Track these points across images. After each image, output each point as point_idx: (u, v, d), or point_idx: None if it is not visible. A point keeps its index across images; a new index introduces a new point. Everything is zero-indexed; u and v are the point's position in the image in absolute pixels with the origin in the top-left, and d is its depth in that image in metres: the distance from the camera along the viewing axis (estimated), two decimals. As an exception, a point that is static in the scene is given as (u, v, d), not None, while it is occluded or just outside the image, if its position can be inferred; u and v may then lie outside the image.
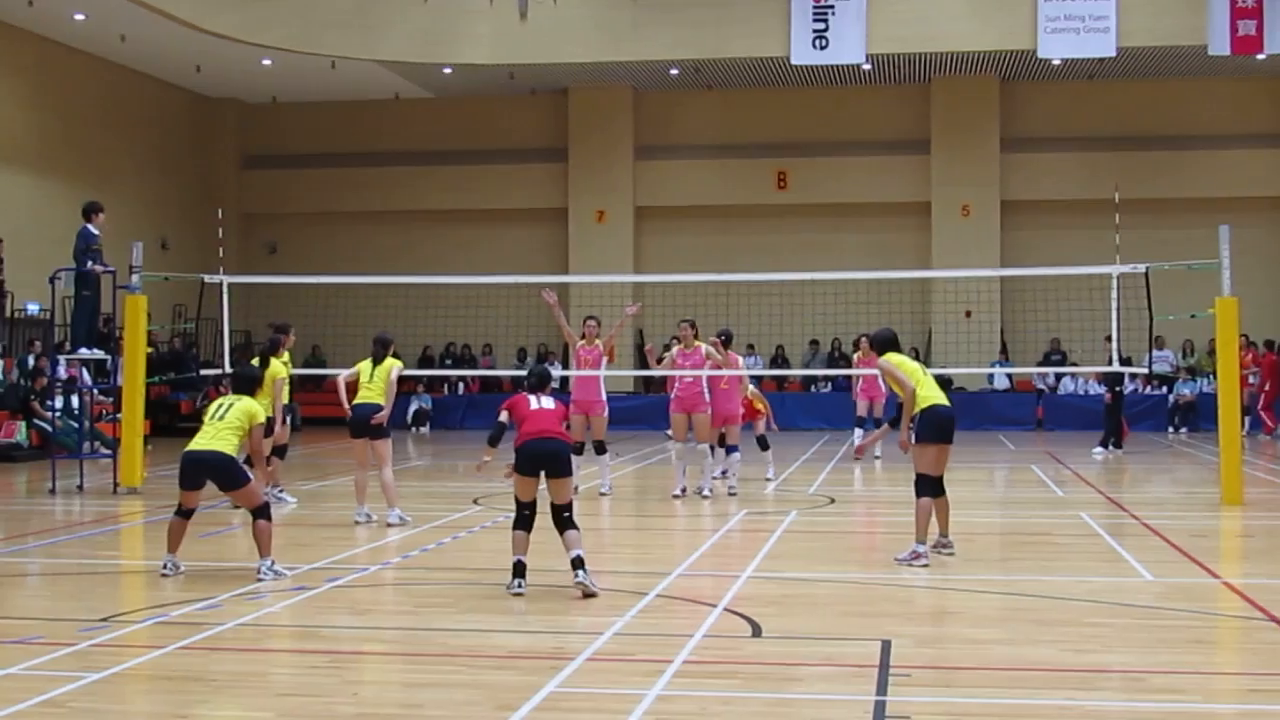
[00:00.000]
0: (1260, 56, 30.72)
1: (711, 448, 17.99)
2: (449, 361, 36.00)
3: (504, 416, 11.29)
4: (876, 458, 23.17)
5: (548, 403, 11.26)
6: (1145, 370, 22.89)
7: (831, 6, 30.61)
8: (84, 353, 19.51)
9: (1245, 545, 14.24)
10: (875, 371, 18.76)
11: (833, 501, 17.53)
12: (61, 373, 23.54)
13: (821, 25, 30.72)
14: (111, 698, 7.75)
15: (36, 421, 24.60)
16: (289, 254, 37.60)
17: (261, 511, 11.67)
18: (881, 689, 7.80)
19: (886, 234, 35.55)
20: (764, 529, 14.79)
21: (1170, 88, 35.13)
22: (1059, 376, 33.55)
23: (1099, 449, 25.17)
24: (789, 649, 8.97)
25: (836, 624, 9.92)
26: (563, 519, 10.92)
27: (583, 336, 18.68)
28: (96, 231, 19.00)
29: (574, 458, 11.66)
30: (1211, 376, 26.95)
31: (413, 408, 34.20)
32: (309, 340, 35.26)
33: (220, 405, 12.00)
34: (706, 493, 17.56)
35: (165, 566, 11.69)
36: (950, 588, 11.20)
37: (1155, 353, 28.59)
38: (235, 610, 10.03)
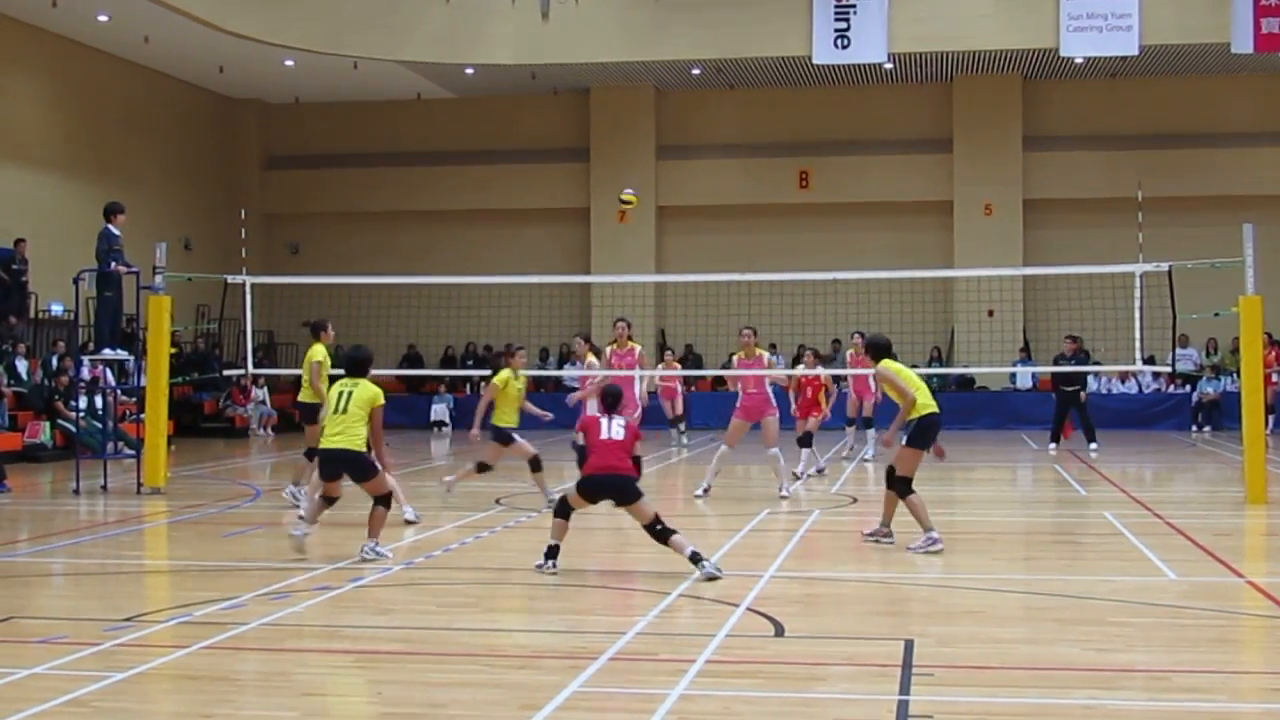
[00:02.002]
0: (1284, 54, 30.59)
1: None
2: (470, 362, 36.03)
3: (580, 439, 11.99)
4: (866, 460, 23.00)
5: (617, 431, 11.65)
6: (1169, 369, 22.81)
7: (853, 5, 30.55)
8: (107, 353, 19.59)
9: (1269, 544, 14.19)
10: (866, 371, 18.88)
11: (855, 501, 17.51)
12: (85, 373, 23.63)
13: (843, 24, 30.67)
14: (136, 697, 7.78)
15: (61, 422, 24.71)
16: (311, 254, 37.71)
17: (384, 500, 12.41)
18: (904, 688, 7.79)
19: (909, 233, 35.49)
20: (787, 529, 14.78)
21: (1193, 86, 35.01)
22: (1083, 376, 33.41)
23: (1093, 445, 25.14)
24: (812, 648, 8.96)
25: (859, 623, 9.91)
26: (657, 533, 11.41)
27: (614, 341, 18.63)
28: (118, 232, 19.07)
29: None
30: (1235, 375, 26.84)
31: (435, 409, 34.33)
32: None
33: (340, 396, 12.45)
34: (785, 493, 17.59)
35: (295, 531, 12.54)
36: (973, 587, 11.17)
37: (1179, 351, 28.50)
38: (259, 610, 10.05)
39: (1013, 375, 33.59)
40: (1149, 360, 21.67)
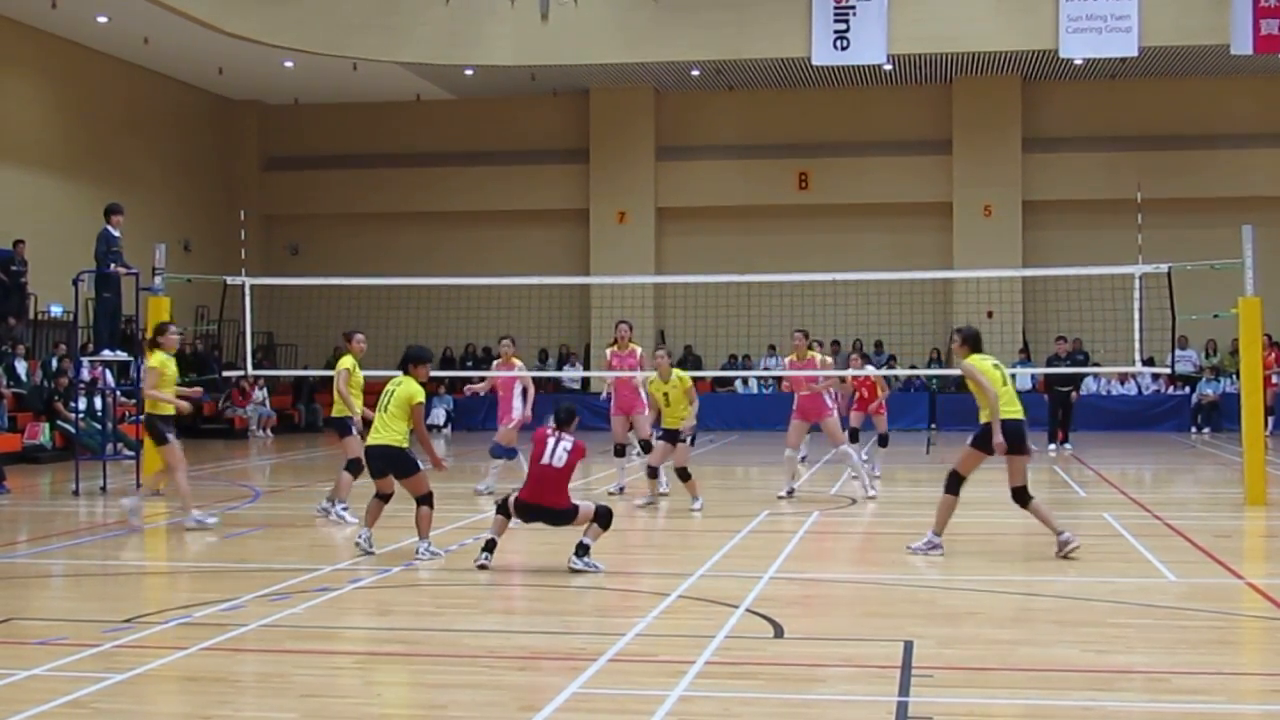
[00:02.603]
0: (1283, 55, 30.60)
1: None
2: (470, 363, 36.02)
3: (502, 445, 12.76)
4: (865, 462, 22.89)
5: (560, 456, 11.80)
6: (1168, 370, 22.84)
7: (853, 7, 30.55)
8: (107, 354, 19.58)
9: (1269, 546, 14.19)
10: (864, 372, 18.78)
11: (854, 502, 17.50)
12: (85, 374, 23.63)
13: (842, 26, 30.67)
14: (135, 698, 7.78)
15: (60, 423, 24.70)
16: (311, 255, 37.72)
17: (425, 499, 12.67)
18: (904, 690, 7.79)
19: (908, 234, 35.49)
20: (786, 530, 14.78)
21: (1193, 87, 35.02)
22: (1081, 377, 33.44)
23: (1066, 445, 25.10)
24: (811, 650, 8.96)
25: (858, 625, 9.91)
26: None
27: (614, 342, 18.65)
28: (117, 233, 19.07)
29: (572, 507, 11.99)
30: (1235, 376, 26.85)
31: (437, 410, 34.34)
32: (330, 342, 35.30)
33: (386, 393, 12.76)
34: (873, 492, 17.69)
35: (360, 539, 12.86)
36: (972, 588, 11.17)
37: (1178, 352, 28.49)
38: (258, 611, 10.05)
39: (1012, 376, 33.50)
40: (1148, 362, 21.65)
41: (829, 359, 18.51)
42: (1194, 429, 32.13)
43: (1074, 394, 26.23)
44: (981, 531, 15.43)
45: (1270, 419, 27.11)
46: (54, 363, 26.19)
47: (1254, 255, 17.37)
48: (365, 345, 16.09)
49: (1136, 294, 18.99)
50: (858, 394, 19.95)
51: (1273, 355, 30.32)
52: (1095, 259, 25.61)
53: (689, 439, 16.78)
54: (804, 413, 17.84)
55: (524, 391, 18.58)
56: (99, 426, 22.39)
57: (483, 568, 11.80)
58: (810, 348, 18.31)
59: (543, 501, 11.80)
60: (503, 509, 12.05)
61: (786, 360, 18.57)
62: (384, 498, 13.01)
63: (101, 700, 7.60)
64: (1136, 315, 19.11)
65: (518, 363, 18.93)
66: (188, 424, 30.60)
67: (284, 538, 14.47)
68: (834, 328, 30.62)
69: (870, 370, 20.21)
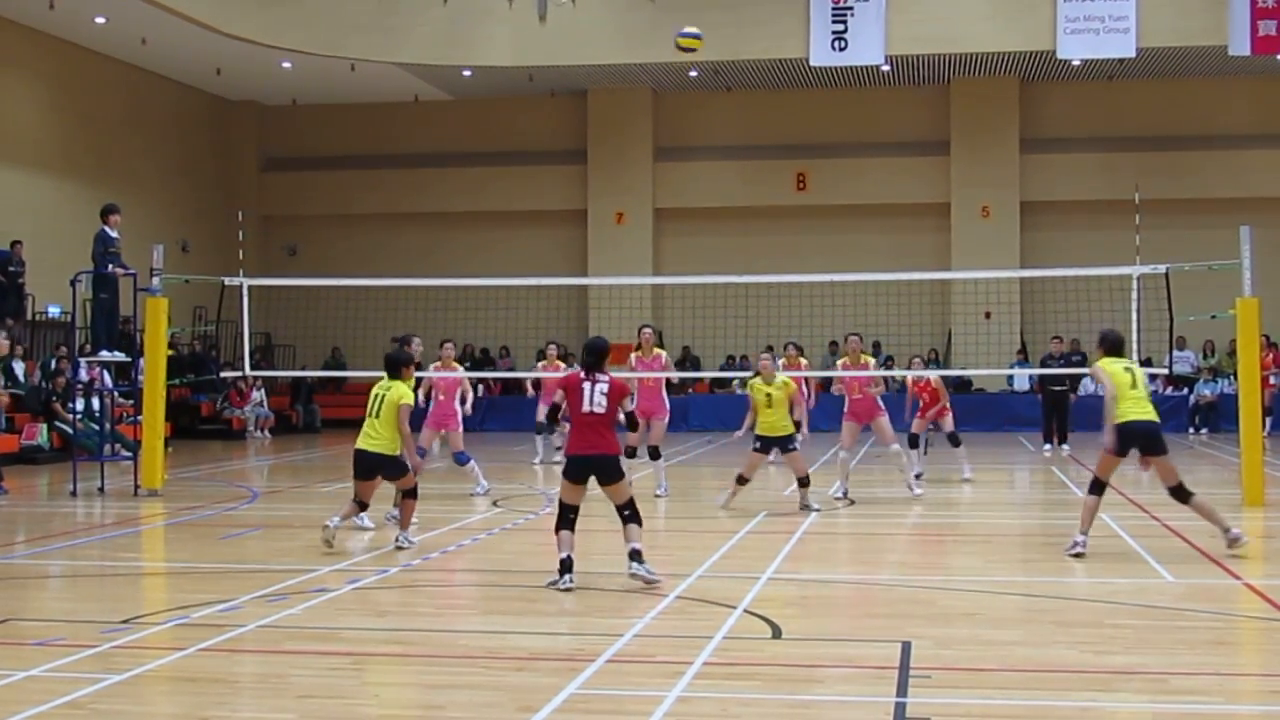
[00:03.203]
0: (1281, 56, 30.64)
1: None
2: (468, 364, 36.00)
3: (558, 397, 11.49)
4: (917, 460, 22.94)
5: (599, 400, 11.13)
6: (1166, 371, 22.82)
7: (850, 8, 30.57)
8: (104, 355, 19.58)
9: (1267, 546, 14.18)
10: (866, 373, 18.69)
11: (853, 503, 17.49)
12: (82, 375, 23.62)
13: (840, 26, 30.69)
14: (133, 699, 7.77)
15: (58, 424, 24.69)
16: (309, 256, 37.73)
17: (412, 493, 13.36)
18: (902, 690, 7.79)
19: (906, 235, 35.51)
20: (784, 530, 14.77)
21: (1191, 88, 35.05)
22: (1078, 378, 33.45)
23: (1064, 446, 25.14)
24: (809, 650, 8.96)
25: (856, 625, 9.91)
26: (624, 515, 11.23)
27: (638, 347, 18.65)
28: (114, 234, 19.08)
29: (624, 460, 11.61)
30: (1232, 377, 26.85)
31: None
32: (329, 342, 35.34)
33: (375, 399, 13.19)
34: (918, 492, 17.72)
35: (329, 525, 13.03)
36: (970, 589, 11.17)
37: (1176, 353, 28.47)
38: (256, 612, 10.05)
39: (1010, 377, 33.59)
40: (1146, 362, 21.60)
41: (877, 361, 18.55)
42: (1192, 430, 32.12)
43: (1071, 395, 26.25)
44: (979, 532, 15.45)
45: (1268, 420, 27.10)
46: (52, 363, 26.17)
47: (1252, 256, 17.38)
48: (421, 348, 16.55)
49: (1134, 295, 19.00)
50: (920, 400, 19.97)
51: (1270, 356, 30.32)
52: (1093, 260, 25.66)
53: (797, 445, 16.42)
54: (856, 414, 17.88)
55: (463, 396, 18.51)
56: (96, 427, 22.37)
57: (567, 590, 10.89)
58: (865, 351, 18.36)
59: (593, 450, 11.09)
60: (564, 524, 11.21)
61: (840, 362, 18.58)
62: (362, 505, 13.43)
63: (99, 701, 7.60)
64: (1134, 316, 19.11)
65: (458, 366, 18.99)
66: (185, 425, 30.72)
67: (282, 539, 14.46)
68: (832, 329, 30.63)
69: (931, 373, 20.28)
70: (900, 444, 18.22)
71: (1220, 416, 31.27)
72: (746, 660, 8.66)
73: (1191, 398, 32.70)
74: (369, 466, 13.23)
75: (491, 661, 8.61)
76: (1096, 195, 34.79)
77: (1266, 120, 34.84)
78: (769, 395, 16.14)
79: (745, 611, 10.06)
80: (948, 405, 20.05)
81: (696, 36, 21.01)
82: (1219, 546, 13.24)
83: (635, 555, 11.05)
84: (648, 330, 18.90)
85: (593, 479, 11.24)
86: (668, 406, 18.28)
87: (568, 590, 10.91)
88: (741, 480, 16.50)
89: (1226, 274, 18.29)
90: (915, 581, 11.71)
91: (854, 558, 13.05)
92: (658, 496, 17.81)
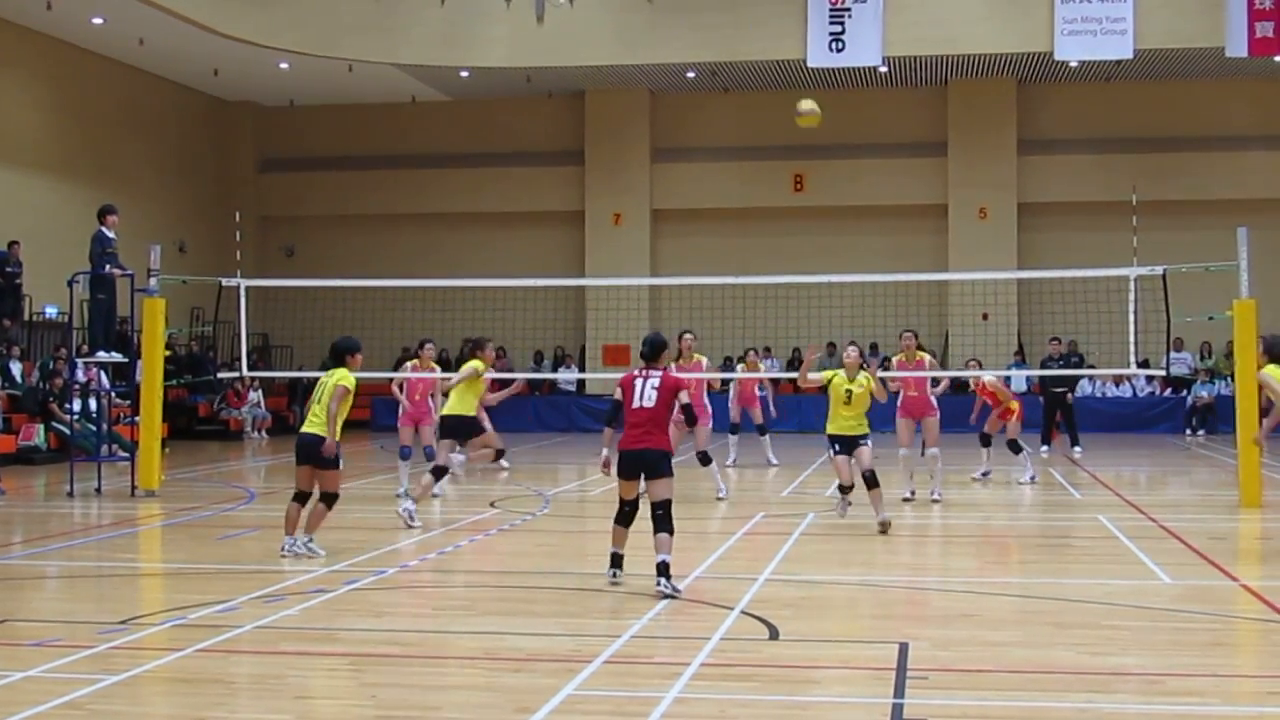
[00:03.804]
0: (1278, 58, 30.63)
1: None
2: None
3: (618, 394, 11.39)
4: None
5: (650, 395, 11.12)
6: (1163, 372, 22.87)
7: (848, 9, 30.57)
8: (102, 355, 19.57)
9: (1264, 548, 14.20)
10: (922, 373, 18.53)
11: (850, 504, 17.48)
12: (79, 375, 23.61)
13: (838, 28, 30.69)
14: (130, 700, 7.77)
15: (55, 424, 24.68)
16: (306, 257, 37.70)
17: (331, 499, 12.97)
18: (899, 691, 7.80)
19: (903, 236, 35.51)
20: (781, 531, 14.78)
21: (1188, 89, 35.05)
22: (1076, 379, 33.47)
23: (1076, 448, 25.14)
24: (806, 651, 8.97)
25: (854, 626, 9.92)
26: (656, 517, 10.92)
27: (679, 356, 18.62)
28: (111, 234, 19.07)
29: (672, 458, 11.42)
30: (1229, 378, 26.88)
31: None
32: (326, 343, 35.20)
33: (320, 386, 13.04)
34: (938, 496, 17.68)
35: (287, 547, 12.81)
36: (967, 590, 11.18)
37: (1173, 354, 28.52)
38: (253, 613, 10.05)
39: (1007, 379, 33.55)
40: (1143, 364, 21.69)
41: (934, 360, 18.59)
42: (1189, 431, 32.16)
43: (1069, 395, 26.24)
44: (976, 534, 15.45)
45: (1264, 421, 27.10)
46: (49, 364, 26.16)
47: (1249, 257, 17.42)
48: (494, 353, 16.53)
49: (1131, 296, 19.02)
50: (985, 403, 20.05)
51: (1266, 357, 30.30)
52: (1090, 261, 25.68)
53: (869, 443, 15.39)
54: (909, 410, 17.91)
55: (432, 394, 18.51)
56: (94, 428, 22.35)
57: (614, 584, 11.18)
58: (920, 348, 18.37)
59: (640, 445, 11.04)
60: (620, 519, 11.29)
61: (896, 360, 18.59)
62: (301, 499, 13.04)
63: (96, 702, 7.60)
64: (1131, 317, 19.14)
65: (435, 367, 18.96)
66: (182, 425, 30.71)
67: (278, 539, 14.44)
68: (829, 330, 30.65)
69: (991, 375, 20.34)
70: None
71: (1217, 418, 31.31)
72: (744, 661, 8.66)
73: (1189, 399, 32.73)
74: (305, 450, 12.89)
75: (489, 662, 8.61)
76: (1094, 196, 34.79)
77: (1264, 122, 34.86)
78: (849, 392, 15.12)
79: (742, 613, 10.06)
80: (1012, 407, 19.96)
81: (814, 113, 21.00)
82: (1216, 547, 13.27)
83: (662, 569, 10.81)
84: (689, 336, 18.95)
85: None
86: (710, 410, 18.27)
87: (615, 585, 11.11)
88: (844, 489, 15.43)
89: (1224, 275, 18.31)
90: (912, 583, 11.72)
91: (851, 559, 13.06)
92: (720, 499, 17.79)
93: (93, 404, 23.26)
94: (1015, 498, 19.13)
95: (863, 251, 34.42)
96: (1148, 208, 28.69)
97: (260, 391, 33.31)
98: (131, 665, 8.40)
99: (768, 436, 23.71)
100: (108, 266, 18.90)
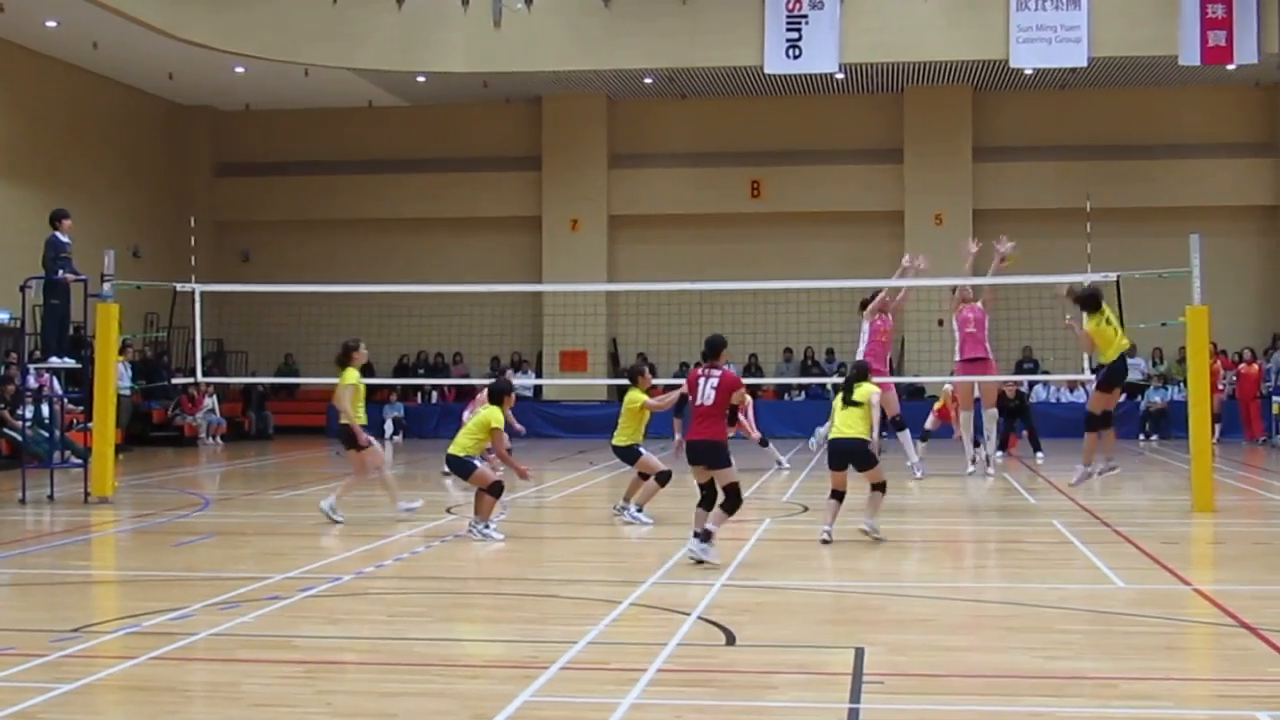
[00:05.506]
0: (1230, 67, 30.92)
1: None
2: (422, 370, 35.95)
3: (684, 388, 12.99)
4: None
5: (709, 393, 12.44)
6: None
7: (805, 16, 30.67)
8: (55, 361, 19.42)
9: (1216, 552, 14.30)
10: (1013, 377, 18.86)
11: (806, 509, 17.53)
12: (31, 381, 23.42)
13: (795, 35, 30.78)
14: (84, 709, 7.71)
15: (7, 430, 24.47)
16: (262, 262, 37.52)
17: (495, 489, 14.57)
18: (855, 697, 7.81)
19: (860, 242, 35.61)
20: (737, 537, 14.77)
21: (1142, 97, 35.33)
22: (1031, 384, 33.65)
23: (1039, 454, 25.30)
24: (763, 657, 8.97)
25: (810, 632, 9.93)
26: (721, 502, 12.49)
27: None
28: (66, 239, 18.93)
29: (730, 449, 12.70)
30: (1182, 384, 27.09)
31: (389, 416, 34.08)
32: (281, 349, 35.20)
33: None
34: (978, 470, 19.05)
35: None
36: (923, 595, 11.22)
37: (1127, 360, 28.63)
38: (208, 620, 9.99)
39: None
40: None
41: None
42: (1142, 436, 32.39)
43: (1025, 397, 26.43)
44: (931, 538, 15.50)
45: (1217, 426, 27.34)
46: (1, 370, 25.93)
47: (1201, 264, 17.55)
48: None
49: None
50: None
51: (1219, 363, 30.59)
52: (1045, 267, 25.73)
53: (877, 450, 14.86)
54: (969, 368, 19.91)
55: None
56: (46, 434, 22.18)
57: (699, 563, 12.23)
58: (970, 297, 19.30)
59: (698, 436, 12.49)
60: (701, 503, 12.68)
61: (957, 308, 19.71)
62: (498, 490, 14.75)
63: (49, 711, 7.54)
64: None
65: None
66: (136, 431, 30.50)
67: (234, 546, 14.38)
68: (786, 336, 30.77)
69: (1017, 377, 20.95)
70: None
71: (1170, 423, 31.55)
72: (700, 667, 8.67)
73: (1142, 405, 32.95)
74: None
75: (445, 669, 8.59)
76: (1049, 203, 35.00)
77: (1216, 130, 35.18)
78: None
79: (699, 618, 10.07)
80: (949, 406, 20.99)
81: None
82: (1170, 552, 13.36)
83: (702, 535, 12.22)
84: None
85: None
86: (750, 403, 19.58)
87: (691, 555, 12.33)
88: (878, 489, 14.77)
89: (1176, 282, 18.43)
90: (868, 588, 11.75)
91: (807, 564, 13.08)
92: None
93: (45, 410, 23.09)
94: (968, 503, 19.22)
95: (820, 257, 34.53)
96: (1102, 214, 28.93)
97: (215, 397, 33.11)
98: (85, 674, 8.34)
99: (771, 445, 23.74)
100: (61, 271, 18.76)
